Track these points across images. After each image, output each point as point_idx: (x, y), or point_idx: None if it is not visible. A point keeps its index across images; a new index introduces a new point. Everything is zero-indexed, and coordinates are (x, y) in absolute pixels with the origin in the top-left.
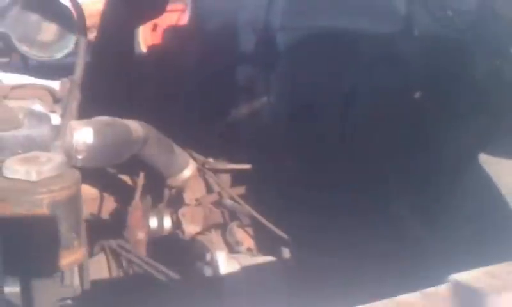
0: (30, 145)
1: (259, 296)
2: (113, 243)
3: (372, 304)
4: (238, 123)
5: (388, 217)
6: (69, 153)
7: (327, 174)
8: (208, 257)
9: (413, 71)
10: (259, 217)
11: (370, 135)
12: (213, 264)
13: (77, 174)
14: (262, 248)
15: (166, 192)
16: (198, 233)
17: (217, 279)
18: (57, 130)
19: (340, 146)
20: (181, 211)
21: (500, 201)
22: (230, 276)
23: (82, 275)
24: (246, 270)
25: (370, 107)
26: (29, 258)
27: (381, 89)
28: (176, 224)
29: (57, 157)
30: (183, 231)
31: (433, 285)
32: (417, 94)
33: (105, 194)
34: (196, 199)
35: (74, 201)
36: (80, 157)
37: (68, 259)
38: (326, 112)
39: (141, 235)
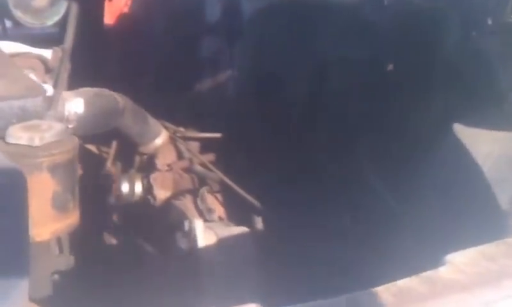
0: (24, 115)
1: (234, 269)
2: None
3: (373, 289)
4: (206, 94)
5: (359, 188)
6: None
7: (295, 143)
8: (186, 226)
9: (383, 41)
10: (229, 182)
11: (339, 106)
12: (191, 234)
13: (75, 140)
14: (233, 215)
15: (137, 158)
16: (170, 199)
17: (195, 250)
18: (50, 101)
19: (308, 117)
20: (152, 176)
21: (475, 170)
22: (208, 248)
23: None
24: (221, 241)
25: (340, 78)
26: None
27: (351, 60)
28: (147, 189)
29: (58, 125)
30: (154, 197)
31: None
32: (388, 66)
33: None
34: (168, 165)
35: (72, 164)
36: (71, 126)
37: (64, 222)
38: (294, 84)
39: (112, 200)
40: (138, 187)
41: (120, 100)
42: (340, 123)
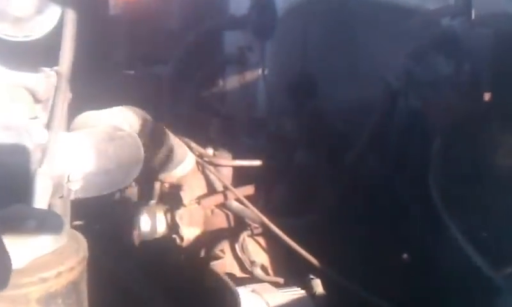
0: (4, 176)
1: None
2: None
3: None
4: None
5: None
6: (60, 183)
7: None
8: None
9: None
10: (272, 226)
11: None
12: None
13: (82, 244)
14: (277, 263)
15: (157, 186)
16: (200, 239)
17: None
18: (43, 150)
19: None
20: (178, 212)
21: None
22: None
23: None
24: None
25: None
26: None
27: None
28: (172, 226)
29: (51, 218)
30: (181, 237)
31: None
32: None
33: None
34: (196, 199)
35: (77, 288)
36: (75, 188)
37: None
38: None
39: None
40: (161, 224)
41: (134, 122)
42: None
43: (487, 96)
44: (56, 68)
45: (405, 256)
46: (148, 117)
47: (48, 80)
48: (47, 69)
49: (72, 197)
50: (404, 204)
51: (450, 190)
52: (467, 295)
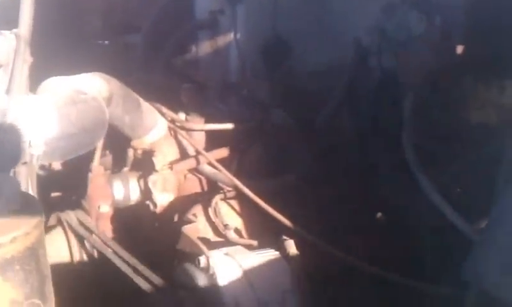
0: None
1: None
2: (72, 216)
3: None
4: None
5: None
6: (22, 149)
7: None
8: (202, 262)
9: None
10: (245, 189)
11: None
12: (208, 271)
13: (38, 209)
14: (250, 227)
15: (131, 153)
16: (175, 205)
17: (216, 288)
18: (2, 114)
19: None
20: (151, 178)
21: None
22: (231, 286)
23: None
24: (247, 275)
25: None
26: None
27: None
28: (145, 193)
29: (5, 183)
30: (154, 203)
31: None
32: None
33: None
34: (168, 164)
35: (35, 253)
36: (37, 153)
37: None
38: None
39: (104, 208)
40: (134, 191)
41: (103, 88)
42: None
43: (459, 50)
44: (15, 30)
45: (379, 214)
46: (118, 83)
47: (7, 44)
48: (6, 32)
49: (36, 162)
50: (378, 163)
51: (423, 147)
52: (440, 250)
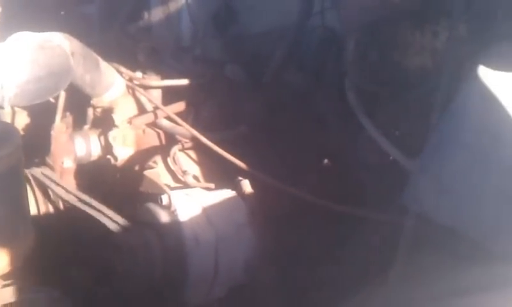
0: None
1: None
2: (37, 171)
3: None
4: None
5: None
6: None
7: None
8: (164, 200)
9: None
10: (201, 137)
11: None
12: (170, 208)
13: (16, 135)
14: (208, 173)
15: (90, 112)
16: (135, 160)
17: (177, 224)
18: None
19: None
20: (111, 134)
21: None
22: (192, 222)
23: None
24: (207, 211)
25: None
26: None
27: None
28: (106, 148)
29: None
30: (115, 157)
31: None
32: None
33: (20, 116)
34: (127, 120)
35: (14, 174)
36: (9, 96)
37: (15, 253)
38: None
39: (67, 162)
40: (95, 147)
41: (68, 44)
42: None
43: None
44: None
45: (325, 160)
46: (79, 42)
47: None
48: None
49: (6, 104)
50: (324, 113)
51: (365, 91)
52: (384, 185)
